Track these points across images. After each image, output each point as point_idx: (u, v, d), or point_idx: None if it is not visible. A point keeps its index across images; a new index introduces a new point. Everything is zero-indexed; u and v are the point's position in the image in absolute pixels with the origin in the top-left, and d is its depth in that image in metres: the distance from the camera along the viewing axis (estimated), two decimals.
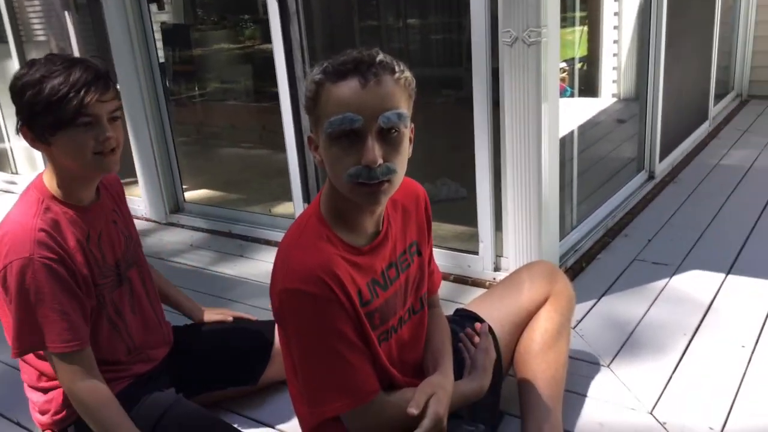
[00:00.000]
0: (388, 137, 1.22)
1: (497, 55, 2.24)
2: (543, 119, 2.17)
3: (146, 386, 1.65)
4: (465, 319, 1.76)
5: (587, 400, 1.84)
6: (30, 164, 4.28)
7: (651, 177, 3.42)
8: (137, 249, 1.77)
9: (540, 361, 1.71)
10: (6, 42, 4.07)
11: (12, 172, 4.43)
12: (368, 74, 1.20)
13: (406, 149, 1.28)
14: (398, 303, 1.45)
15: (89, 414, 1.49)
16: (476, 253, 2.54)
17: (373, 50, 1.25)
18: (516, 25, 2.08)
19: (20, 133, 1.50)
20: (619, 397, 1.84)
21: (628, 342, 2.09)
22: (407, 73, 1.26)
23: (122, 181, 1.82)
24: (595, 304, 2.33)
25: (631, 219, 3.02)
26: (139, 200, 3.59)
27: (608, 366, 1.98)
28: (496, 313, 1.77)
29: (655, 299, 2.33)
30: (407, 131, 1.27)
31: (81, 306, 1.51)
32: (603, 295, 2.38)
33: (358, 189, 1.23)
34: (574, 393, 1.86)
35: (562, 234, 2.62)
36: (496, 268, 2.51)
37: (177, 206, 3.56)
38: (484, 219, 2.49)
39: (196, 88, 5.96)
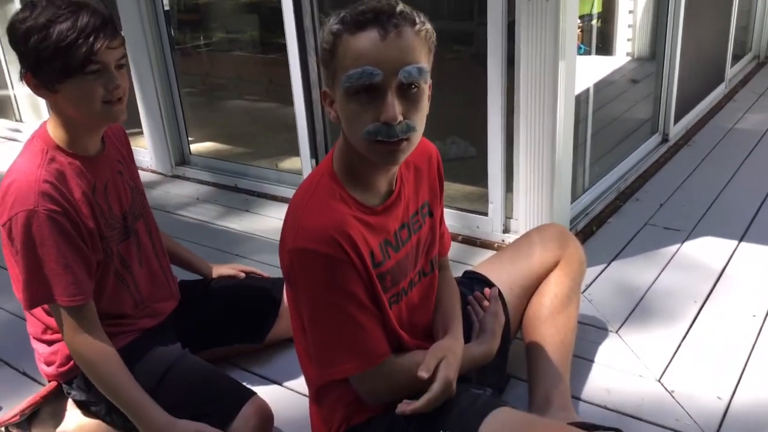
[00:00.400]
0: (408, 93, 1.17)
1: (513, 9, 2.17)
2: (559, 77, 2.11)
3: (152, 340, 1.64)
4: (474, 281, 1.74)
5: (595, 366, 1.83)
6: (34, 112, 4.22)
7: (665, 140, 3.36)
8: (143, 201, 1.74)
9: (549, 326, 1.69)
10: None
11: (16, 120, 4.38)
12: (388, 25, 1.14)
13: (426, 106, 1.23)
14: (409, 265, 1.42)
15: (88, 367, 1.49)
16: (485, 214, 2.50)
17: (392, 0, 1.19)
18: None
19: (24, 80, 1.45)
20: (627, 364, 1.83)
21: (638, 308, 2.08)
22: (428, 26, 1.21)
23: (128, 131, 1.78)
24: (604, 269, 2.30)
25: (643, 182, 2.97)
26: (144, 151, 3.55)
27: (617, 332, 1.97)
28: (505, 276, 1.75)
29: (666, 265, 2.30)
30: (426, 87, 1.22)
31: (85, 260, 1.49)
32: (613, 260, 2.36)
33: (376, 147, 1.19)
34: (582, 358, 1.85)
35: (574, 196, 2.59)
36: (506, 230, 2.48)
37: (183, 159, 3.52)
38: (495, 179, 2.45)
39: (202, 38, 5.83)
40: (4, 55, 4.23)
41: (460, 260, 2.42)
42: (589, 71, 4.00)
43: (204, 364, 1.63)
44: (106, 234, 1.57)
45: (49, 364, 1.63)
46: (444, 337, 1.44)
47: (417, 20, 1.18)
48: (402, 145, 1.20)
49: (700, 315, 2.02)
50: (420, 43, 1.18)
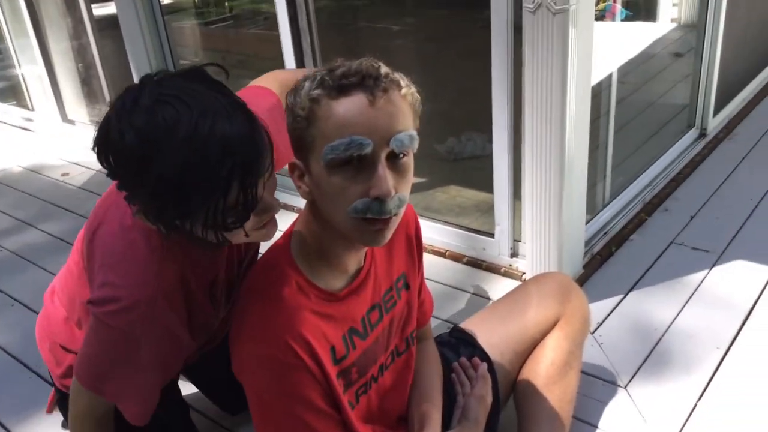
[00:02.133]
0: (397, 163, 1.04)
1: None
2: (567, 110, 1.86)
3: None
4: (461, 343, 1.57)
5: None
6: (46, 98, 4.09)
7: (702, 134, 3.05)
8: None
9: (542, 398, 1.52)
10: None
11: (29, 109, 4.29)
12: (376, 89, 1.01)
13: (412, 175, 1.10)
14: (379, 349, 1.27)
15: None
16: (492, 235, 2.30)
17: (373, 61, 1.05)
18: None
19: (140, 216, 1.10)
20: (634, 430, 1.65)
21: (652, 355, 1.87)
22: (413, 88, 1.07)
23: None
24: (620, 302, 2.09)
25: (674, 188, 2.70)
26: None
27: (625, 387, 1.78)
28: (496, 338, 1.58)
29: (689, 298, 2.08)
30: (412, 154, 1.08)
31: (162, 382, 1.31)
32: (630, 290, 2.14)
33: (364, 226, 1.05)
34: (585, 423, 1.67)
35: (592, 212, 2.36)
36: (513, 254, 2.28)
37: None
38: (501, 197, 2.23)
39: (226, 8, 5.61)
40: (10, 33, 4.10)
41: (462, 287, 2.26)
42: (626, 42, 3.65)
43: None
44: (210, 321, 1.36)
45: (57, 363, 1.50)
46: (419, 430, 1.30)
47: (402, 83, 1.05)
48: (391, 221, 1.06)
49: (722, 365, 1.81)
50: (407, 108, 1.05)
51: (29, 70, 4.12)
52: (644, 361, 1.85)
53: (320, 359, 1.12)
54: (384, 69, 1.05)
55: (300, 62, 2.64)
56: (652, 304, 2.07)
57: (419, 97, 1.09)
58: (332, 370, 1.15)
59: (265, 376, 1.10)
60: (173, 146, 0.95)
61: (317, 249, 1.15)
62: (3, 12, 4.04)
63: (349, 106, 1.00)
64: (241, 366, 1.12)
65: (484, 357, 1.52)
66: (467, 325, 1.64)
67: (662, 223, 2.49)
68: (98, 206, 1.30)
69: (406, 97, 1.05)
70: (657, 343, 1.91)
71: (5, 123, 4.47)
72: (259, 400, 1.14)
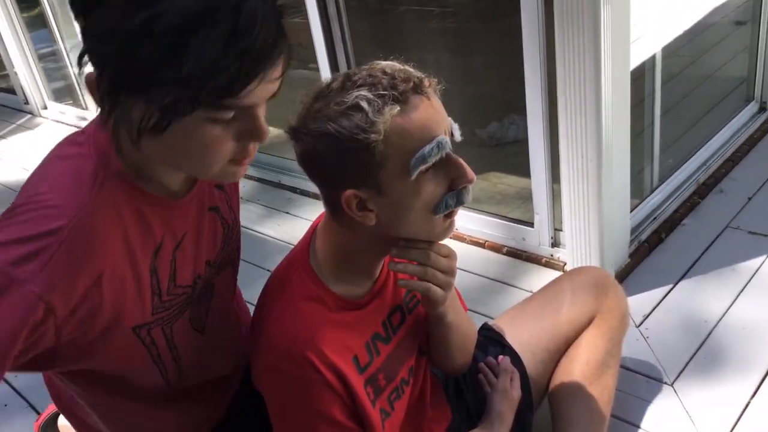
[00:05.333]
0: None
1: None
2: (603, 93, 1.75)
3: None
4: (489, 341, 1.51)
5: None
6: None
7: (762, 108, 2.85)
8: (237, 239, 1.22)
9: (578, 400, 1.45)
10: None
11: (83, 108, 4.41)
12: (423, 88, 0.99)
13: None
14: (405, 352, 1.24)
15: None
16: (532, 225, 2.22)
17: (402, 62, 1.03)
18: None
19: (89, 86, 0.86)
20: (680, 430, 1.55)
21: (702, 349, 1.77)
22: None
23: None
24: (669, 292, 1.98)
25: (730, 168, 2.53)
26: None
27: (672, 384, 1.68)
28: (527, 336, 1.52)
29: (744, 287, 1.95)
30: None
31: None
32: (680, 279, 2.02)
33: (447, 222, 1.07)
34: (627, 423, 1.59)
35: (639, 197, 2.24)
36: (554, 244, 2.19)
37: None
38: (539, 186, 2.14)
39: None
40: (62, 36, 4.21)
41: (503, 279, 2.18)
42: (683, 10, 3.45)
43: None
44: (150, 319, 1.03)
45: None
46: None
47: (425, 75, 1.03)
48: None
49: None
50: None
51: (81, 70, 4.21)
52: (693, 357, 1.75)
53: (342, 372, 1.09)
54: (404, 65, 1.02)
55: (331, 49, 2.59)
56: (704, 295, 1.95)
57: None
58: (357, 381, 1.12)
59: (283, 390, 1.09)
60: None
61: (344, 260, 1.11)
62: (54, 16, 4.15)
63: (419, 111, 0.98)
64: (260, 377, 1.11)
65: (514, 356, 1.46)
66: (498, 323, 1.58)
67: (717, 205, 2.35)
68: None
69: (433, 87, 1.02)
70: (707, 337, 1.80)
71: (63, 123, 4.61)
72: (278, 412, 1.12)
